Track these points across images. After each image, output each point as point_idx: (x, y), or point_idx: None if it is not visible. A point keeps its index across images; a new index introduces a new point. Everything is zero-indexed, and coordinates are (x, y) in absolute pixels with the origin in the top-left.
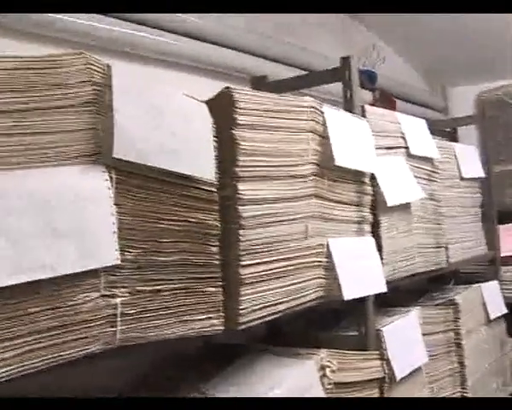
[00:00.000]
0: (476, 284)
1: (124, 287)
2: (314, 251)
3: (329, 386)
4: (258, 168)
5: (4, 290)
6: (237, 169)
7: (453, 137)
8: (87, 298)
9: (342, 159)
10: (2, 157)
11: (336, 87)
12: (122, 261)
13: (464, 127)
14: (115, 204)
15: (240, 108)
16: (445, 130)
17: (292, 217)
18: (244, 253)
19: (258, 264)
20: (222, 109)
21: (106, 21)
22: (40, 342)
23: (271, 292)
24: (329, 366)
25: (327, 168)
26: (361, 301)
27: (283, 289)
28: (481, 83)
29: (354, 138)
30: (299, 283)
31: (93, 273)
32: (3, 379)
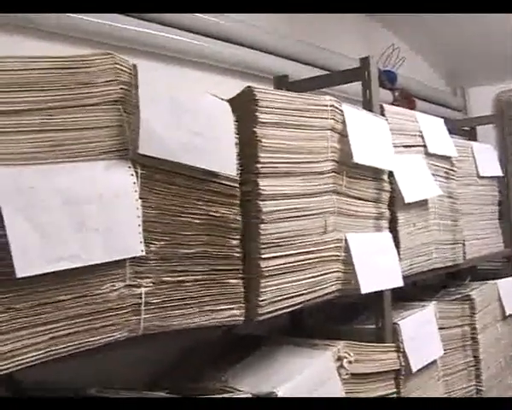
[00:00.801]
0: (492, 281)
1: (148, 277)
2: (333, 245)
3: (346, 376)
4: (278, 165)
5: (35, 279)
6: (258, 165)
7: (472, 136)
8: (113, 287)
9: (360, 156)
10: (33, 153)
11: (355, 87)
12: (147, 253)
13: (482, 126)
14: (140, 198)
15: (261, 107)
16: (464, 129)
17: (311, 212)
18: (264, 246)
19: (277, 257)
20: (244, 108)
21: (130, 22)
22: (68, 329)
23: (290, 285)
24: (346, 357)
25: (346, 165)
26: (378, 295)
27: (302, 281)
28: (500, 83)
29: (373, 136)
30: (318, 276)
31: (119, 264)
32: (34, 363)
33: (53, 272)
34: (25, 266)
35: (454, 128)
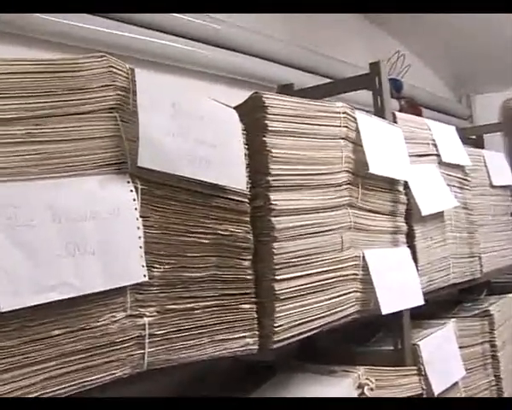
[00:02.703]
0: (510, 294)
1: (152, 306)
2: (350, 263)
3: None
4: (290, 177)
5: (23, 312)
6: (269, 178)
7: (479, 144)
8: (113, 319)
9: (377, 167)
10: (18, 167)
11: (360, 94)
12: (150, 278)
13: (487, 135)
14: (141, 217)
15: (271, 114)
16: (471, 137)
17: (326, 228)
18: (278, 266)
19: (293, 278)
20: (251, 115)
21: (128, 29)
22: (63, 368)
23: (308, 308)
24: (368, 384)
25: (360, 176)
26: (397, 314)
27: (320, 304)
28: (506, 90)
29: (387, 145)
30: (336, 297)
31: (119, 292)
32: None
33: (43, 303)
34: (10, 298)
35: (461, 136)
